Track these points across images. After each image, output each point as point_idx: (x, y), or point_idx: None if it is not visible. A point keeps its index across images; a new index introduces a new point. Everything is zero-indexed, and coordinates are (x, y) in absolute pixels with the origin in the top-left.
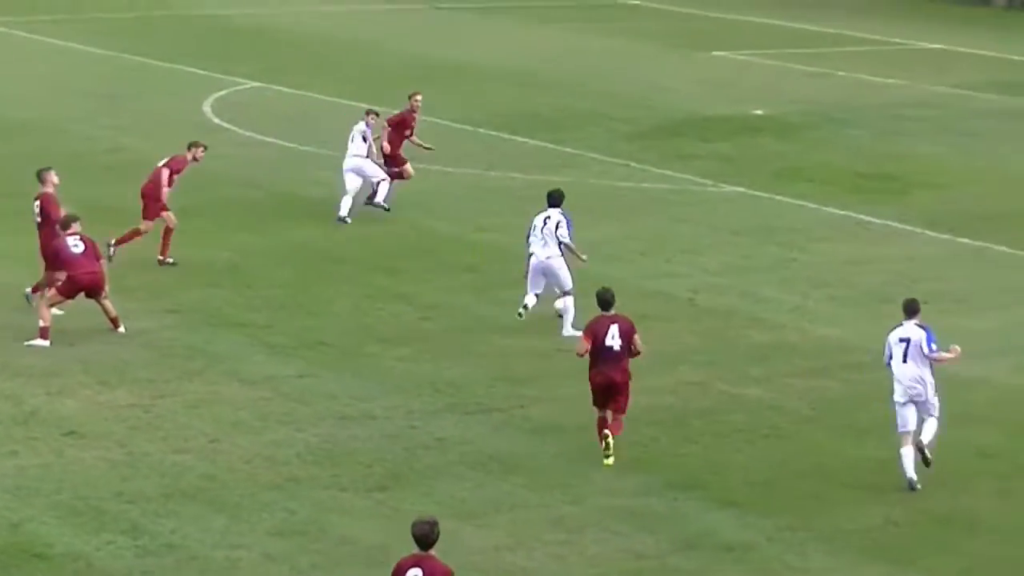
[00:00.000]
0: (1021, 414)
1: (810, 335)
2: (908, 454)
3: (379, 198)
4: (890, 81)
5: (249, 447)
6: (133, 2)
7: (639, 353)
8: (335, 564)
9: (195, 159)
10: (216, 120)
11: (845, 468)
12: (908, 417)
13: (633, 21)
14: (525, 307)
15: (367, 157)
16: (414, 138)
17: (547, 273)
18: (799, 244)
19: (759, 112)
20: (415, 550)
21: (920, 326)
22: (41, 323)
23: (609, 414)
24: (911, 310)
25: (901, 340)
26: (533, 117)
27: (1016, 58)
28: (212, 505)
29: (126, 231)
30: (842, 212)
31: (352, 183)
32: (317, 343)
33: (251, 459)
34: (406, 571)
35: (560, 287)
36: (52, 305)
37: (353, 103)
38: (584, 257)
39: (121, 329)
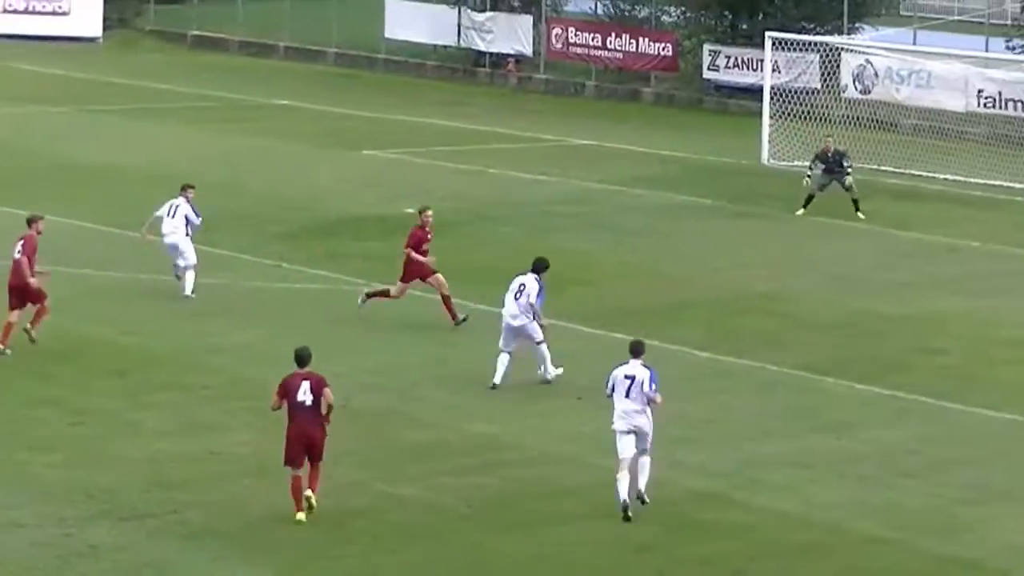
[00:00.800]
0: (678, 510)
1: (466, 433)
2: (624, 479)
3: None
4: (541, 177)
5: None
6: None
7: (331, 407)
8: None
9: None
10: None
11: (503, 566)
12: (626, 446)
13: (284, 121)
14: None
15: (187, 236)
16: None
17: (520, 334)
18: (453, 342)
19: (411, 210)
20: None
21: (646, 366)
22: None
23: (304, 472)
24: (636, 351)
25: (627, 377)
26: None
27: (664, 152)
28: None
29: None
30: (496, 309)
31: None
32: None
33: None
34: None
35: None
36: None
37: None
38: (544, 323)
39: None
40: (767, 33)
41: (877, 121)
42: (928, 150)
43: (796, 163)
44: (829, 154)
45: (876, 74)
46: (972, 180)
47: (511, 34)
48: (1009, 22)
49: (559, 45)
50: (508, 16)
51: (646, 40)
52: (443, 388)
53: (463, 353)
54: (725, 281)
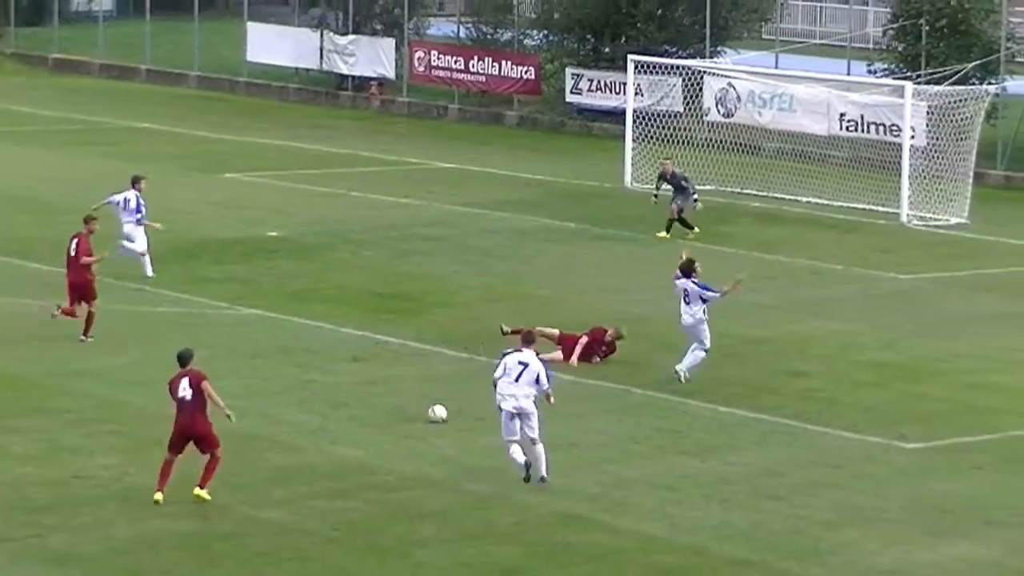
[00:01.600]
0: (543, 533)
1: (331, 456)
2: (517, 450)
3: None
4: (404, 200)
5: None
6: None
7: (211, 397)
8: None
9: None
10: None
11: None
12: (514, 427)
13: (146, 144)
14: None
15: (138, 225)
16: None
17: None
18: (317, 365)
19: (274, 233)
20: None
21: (542, 359)
22: None
23: (175, 459)
24: (528, 340)
25: (520, 363)
26: (42, 241)
27: (527, 175)
28: None
29: None
30: (359, 332)
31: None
32: None
33: None
34: None
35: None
36: None
37: None
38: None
39: None
40: (629, 56)
41: (740, 144)
42: (791, 173)
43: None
44: (668, 176)
45: (738, 98)
46: (834, 203)
47: (374, 57)
48: (871, 46)
49: (422, 68)
50: (371, 39)
51: (509, 63)
52: (307, 411)
53: (327, 376)
54: (589, 304)
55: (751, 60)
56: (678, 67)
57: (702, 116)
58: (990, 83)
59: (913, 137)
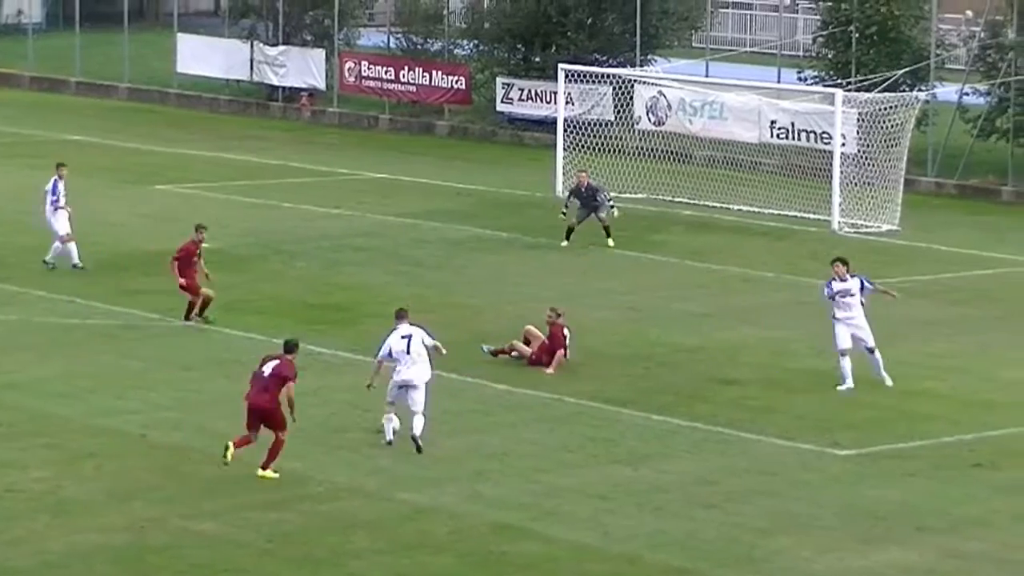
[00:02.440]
0: (477, 542)
1: None
2: (391, 420)
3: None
4: (336, 211)
5: None
6: None
7: (289, 394)
8: None
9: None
10: None
11: None
12: (398, 396)
13: (76, 156)
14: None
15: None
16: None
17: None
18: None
19: (205, 245)
20: None
21: (418, 325)
22: None
23: (252, 436)
24: (401, 315)
25: (404, 337)
26: None
27: (458, 185)
28: None
29: None
30: None
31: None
32: None
33: None
34: None
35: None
36: None
37: None
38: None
39: None
40: (560, 65)
41: (671, 153)
42: (722, 181)
43: None
44: (583, 188)
45: (669, 106)
46: (766, 211)
47: (304, 68)
48: (801, 53)
49: (352, 79)
50: (301, 50)
51: (439, 73)
52: (240, 424)
53: None
54: (520, 313)
55: (682, 68)
56: (609, 76)
57: (633, 125)
58: (920, 90)
59: (844, 144)
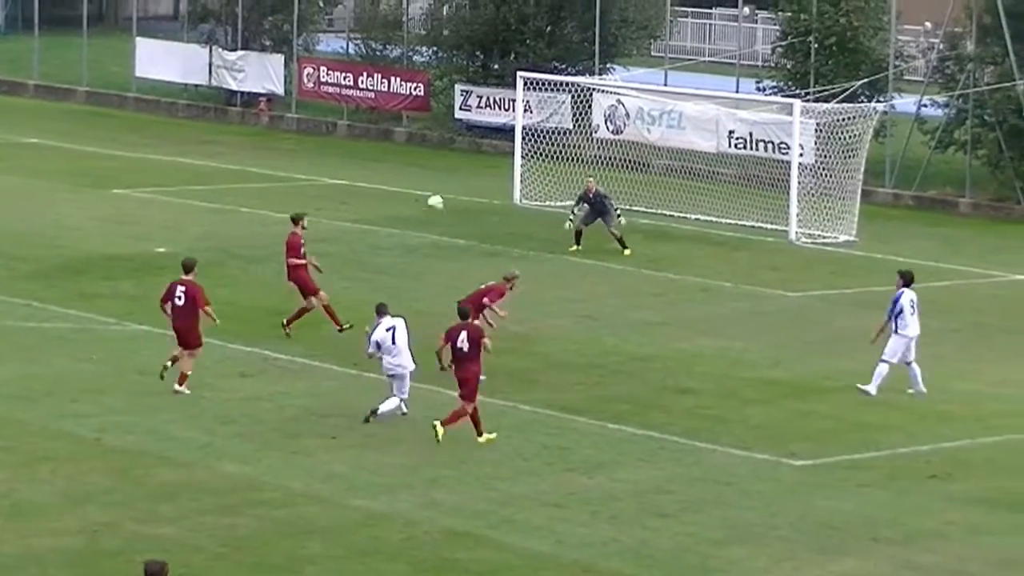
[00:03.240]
0: (431, 549)
1: (219, 472)
2: (390, 403)
3: None
4: None
5: None
6: None
7: (486, 349)
8: None
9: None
10: None
11: None
12: (390, 385)
13: (34, 159)
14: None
15: None
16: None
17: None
18: (206, 381)
19: (162, 250)
20: None
21: (399, 316)
22: None
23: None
24: (382, 311)
25: (388, 329)
26: None
27: (416, 192)
28: None
29: None
30: (248, 348)
31: None
32: None
33: None
34: None
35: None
36: None
37: None
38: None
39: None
40: (519, 73)
41: (629, 161)
42: (679, 190)
43: (548, 203)
44: (591, 195)
45: (627, 115)
46: (723, 220)
47: (263, 73)
48: (760, 63)
49: (311, 84)
50: (259, 55)
51: (398, 80)
52: (195, 428)
53: (215, 393)
54: (478, 321)
55: (640, 77)
56: (567, 84)
57: (591, 133)
58: (878, 101)
59: (801, 155)
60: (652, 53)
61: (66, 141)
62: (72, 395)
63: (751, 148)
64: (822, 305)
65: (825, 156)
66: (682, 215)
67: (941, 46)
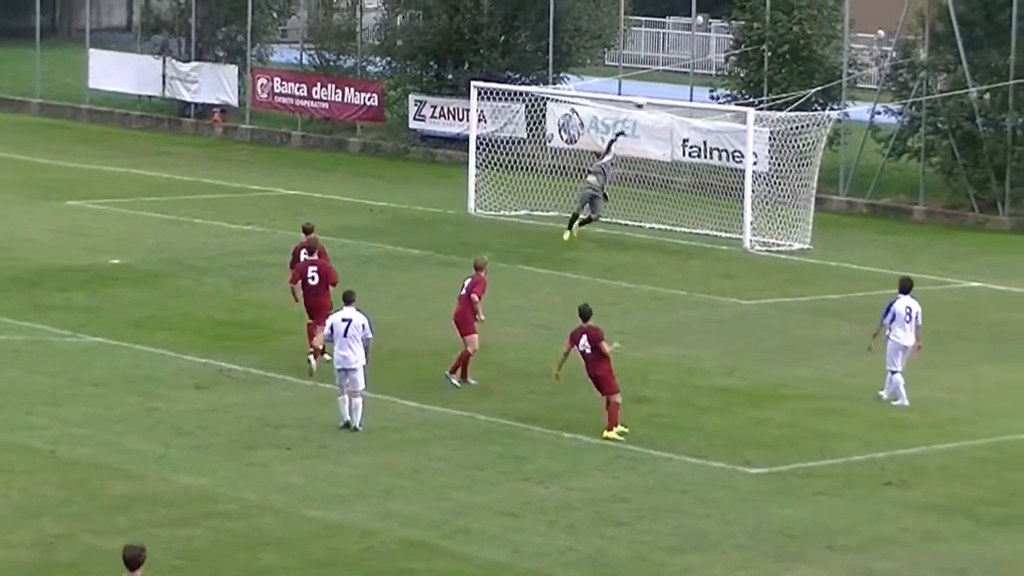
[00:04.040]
0: (388, 560)
1: (174, 484)
2: (345, 402)
3: None
4: (248, 228)
5: None
6: None
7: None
8: None
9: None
10: None
11: None
12: (343, 381)
13: None
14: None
15: None
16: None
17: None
18: (160, 393)
19: (116, 261)
20: None
21: (361, 311)
22: None
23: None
24: (348, 299)
25: (344, 320)
26: None
27: (371, 202)
28: None
29: None
30: (203, 360)
31: None
32: None
33: None
34: None
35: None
36: None
37: None
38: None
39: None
40: (472, 83)
41: (583, 170)
42: (634, 199)
43: (503, 213)
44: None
45: (582, 124)
46: (678, 229)
47: (216, 84)
48: (713, 72)
49: (264, 95)
50: (213, 66)
51: (352, 90)
52: (150, 440)
53: (170, 404)
54: (432, 330)
55: (594, 86)
56: (521, 93)
57: (545, 142)
58: (832, 109)
59: (755, 163)
60: (606, 62)
61: (20, 153)
62: (26, 407)
63: (705, 156)
64: (777, 313)
65: (779, 164)
66: (637, 224)
67: (894, 54)
